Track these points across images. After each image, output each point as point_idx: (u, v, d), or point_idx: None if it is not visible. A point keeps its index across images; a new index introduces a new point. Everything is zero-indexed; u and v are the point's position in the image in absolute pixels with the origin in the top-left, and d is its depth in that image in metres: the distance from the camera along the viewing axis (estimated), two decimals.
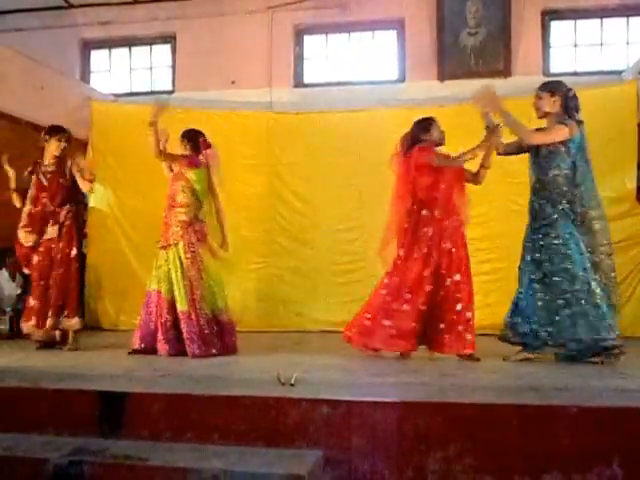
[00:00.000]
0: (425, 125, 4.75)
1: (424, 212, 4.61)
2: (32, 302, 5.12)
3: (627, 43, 7.54)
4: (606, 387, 3.25)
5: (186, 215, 4.89)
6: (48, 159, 5.29)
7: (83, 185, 5.30)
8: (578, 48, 7.67)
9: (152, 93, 8.40)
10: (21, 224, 5.18)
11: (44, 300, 5.08)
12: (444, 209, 4.58)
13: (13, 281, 6.59)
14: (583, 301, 4.16)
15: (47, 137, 5.27)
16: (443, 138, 4.77)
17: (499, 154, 4.70)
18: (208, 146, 5.11)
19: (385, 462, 2.71)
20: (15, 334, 5.70)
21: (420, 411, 2.76)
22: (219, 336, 4.78)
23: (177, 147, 5.14)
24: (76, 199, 5.42)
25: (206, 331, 4.70)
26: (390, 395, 3.02)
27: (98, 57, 8.74)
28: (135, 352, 4.75)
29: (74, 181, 5.29)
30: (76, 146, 7.35)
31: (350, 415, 2.77)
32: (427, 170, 4.60)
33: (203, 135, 5.14)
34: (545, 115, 4.47)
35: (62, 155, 5.29)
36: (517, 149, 4.60)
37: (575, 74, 7.40)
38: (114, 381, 3.48)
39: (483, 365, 4.23)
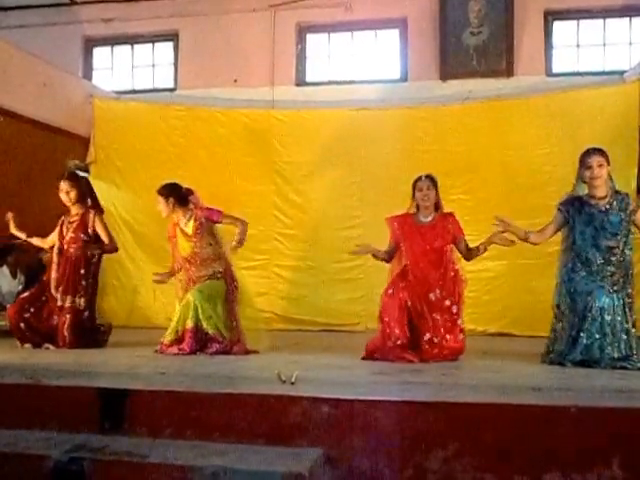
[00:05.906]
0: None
1: None
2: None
3: (630, 43, 7.54)
4: (606, 387, 3.25)
5: (221, 265, 4.92)
6: (72, 210, 5.19)
7: (107, 241, 5.18)
8: (580, 48, 7.67)
9: (154, 91, 8.42)
10: (52, 285, 5.10)
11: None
12: None
13: (14, 278, 6.59)
14: None
15: (58, 191, 5.14)
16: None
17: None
18: (191, 192, 5.00)
19: (385, 461, 2.71)
20: None
21: (420, 410, 2.76)
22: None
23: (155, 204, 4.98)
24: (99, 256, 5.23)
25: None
26: (391, 394, 3.02)
27: (100, 54, 8.75)
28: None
29: (97, 234, 5.16)
30: (77, 144, 7.40)
31: (351, 414, 2.78)
32: None
33: (180, 187, 4.98)
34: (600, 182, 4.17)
35: (77, 202, 5.15)
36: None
37: (577, 74, 7.41)
38: (115, 378, 3.48)
39: (484, 365, 4.23)
